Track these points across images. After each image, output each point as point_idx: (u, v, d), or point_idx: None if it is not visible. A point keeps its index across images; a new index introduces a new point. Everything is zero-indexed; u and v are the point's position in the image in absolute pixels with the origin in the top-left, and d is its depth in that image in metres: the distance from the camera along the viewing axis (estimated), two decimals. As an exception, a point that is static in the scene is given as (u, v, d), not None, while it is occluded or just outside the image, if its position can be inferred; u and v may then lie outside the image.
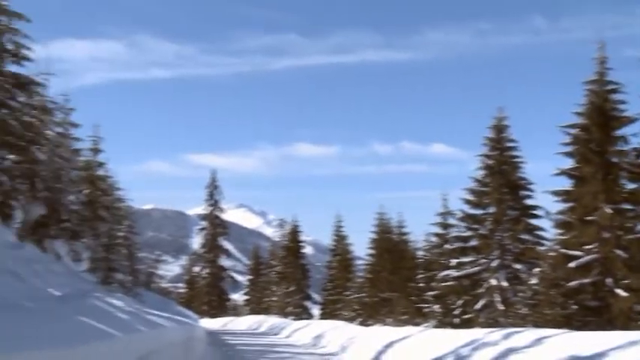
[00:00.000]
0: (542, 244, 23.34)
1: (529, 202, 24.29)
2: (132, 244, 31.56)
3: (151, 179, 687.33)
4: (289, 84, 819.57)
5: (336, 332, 24.12)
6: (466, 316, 24.05)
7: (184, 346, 15.15)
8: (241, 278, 71.71)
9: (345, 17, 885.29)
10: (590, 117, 19.67)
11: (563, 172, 20.31)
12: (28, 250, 14.56)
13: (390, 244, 37.10)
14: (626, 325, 16.55)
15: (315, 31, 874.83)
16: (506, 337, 12.65)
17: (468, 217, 24.81)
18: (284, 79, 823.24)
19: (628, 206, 18.92)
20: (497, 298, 22.60)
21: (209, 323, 41.74)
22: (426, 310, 28.80)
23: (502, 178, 23.94)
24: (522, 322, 19.77)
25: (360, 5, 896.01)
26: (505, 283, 22.68)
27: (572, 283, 18.79)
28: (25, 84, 18.08)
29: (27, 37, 17.48)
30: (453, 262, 25.01)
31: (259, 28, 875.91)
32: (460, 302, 24.71)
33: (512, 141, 24.42)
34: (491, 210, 24.12)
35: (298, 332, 29.08)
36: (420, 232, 40.80)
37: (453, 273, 24.70)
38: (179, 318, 20.69)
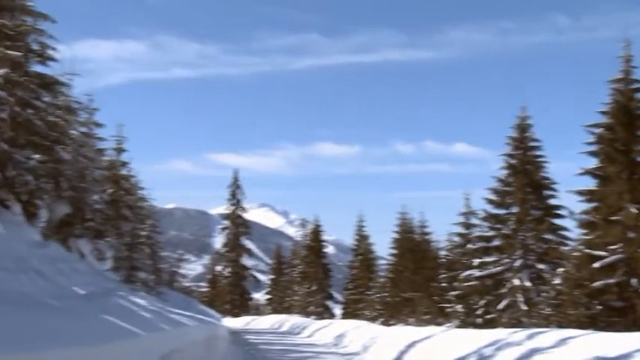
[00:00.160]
0: (566, 244, 23.14)
1: (553, 201, 24.12)
2: (155, 243, 31.77)
3: (174, 178, 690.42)
4: (311, 83, 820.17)
5: (358, 332, 24.11)
6: (489, 316, 23.92)
7: (207, 345, 15.22)
8: (263, 277, 71.92)
9: (367, 16, 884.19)
10: (614, 116, 19.47)
11: (588, 172, 20.13)
12: (53, 248, 14.70)
13: (412, 243, 36.98)
14: (651, 326, 16.36)
15: (337, 30, 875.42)
16: (530, 337, 12.58)
17: (490, 217, 24.67)
18: (306, 79, 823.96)
19: (653, 206, 18.71)
20: (520, 298, 22.45)
21: (231, 322, 41.91)
22: (449, 310, 28.68)
23: (525, 178, 23.77)
24: (546, 322, 19.62)
25: (382, 4, 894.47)
26: (528, 283, 22.52)
27: (597, 284, 18.61)
28: (50, 84, 18.26)
29: (52, 38, 17.65)
30: (476, 261, 24.87)
31: (281, 27, 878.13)
32: (483, 302, 24.57)
33: (535, 140, 24.25)
34: (515, 210, 23.96)
35: (320, 332, 29.11)
36: (442, 231, 40.68)
37: (476, 273, 24.58)
38: (202, 317, 20.80)
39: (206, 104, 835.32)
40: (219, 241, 68.49)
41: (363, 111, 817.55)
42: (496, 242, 24.45)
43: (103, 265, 20.52)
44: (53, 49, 17.87)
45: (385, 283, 38.94)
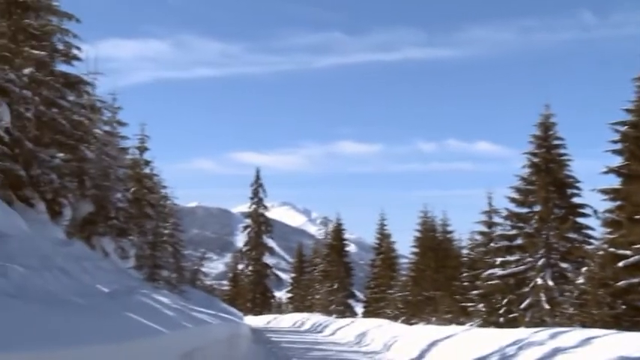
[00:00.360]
0: (590, 243, 22.96)
1: (576, 200, 23.90)
2: (177, 241, 32.00)
3: (196, 177, 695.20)
4: (333, 82, 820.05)
5: (380, 330, 24.08)
6: (511, 316, 23.78)
7: (229, 343, 15.28)
8: (285, 276, 72.01)
9: (389, 15, 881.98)
10: (640, 114, 19.30)
11: (612, 170, 19.96)
12: (77, 247, 14.85)
13: (434, 242, 36.87)
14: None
15: (358, 28, 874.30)
16: (553, 336, 12.49)
17: (513, 216, 24.52)
18: (328, 77, 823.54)
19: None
20: (543, 297, 22.29)
21: (253, 320, 42.03)
22: (471, 309, 28.56)
23: (549, 176, 23.58)
24: (569, 321, 19.49)
25: (404, 2, 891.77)
26: (551, 282, 22.36)
27: (621, 283, 18.46)
28: (74, 83, 18.45)
29: (76, 37, 17.84)
30: (498, 260, 24.74)
31: (303, 26, 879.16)
32: (505, 301, 24.44)
33: (559, 138, 24.05)
34: (538, 208, 23.79)
35: (342, 330, 29.10)
36: (464, 230, 40.48)
37: (498, 272, 24.45)
38: (224, 315, 20.90)
39: (229, 103, 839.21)
40: (241, 240, 68.70)
41: (385, 109, 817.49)
42: (519, 241, 24.30)
43: (126, 263, 20.69)
44: (78, 48, 18.06)
45: (407, 282, 38.87)
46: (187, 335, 10.25)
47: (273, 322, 43.89)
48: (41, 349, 5.09)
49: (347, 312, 48.29)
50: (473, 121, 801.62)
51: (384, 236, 47.63)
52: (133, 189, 23.69)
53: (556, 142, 24.01)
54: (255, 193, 59.06)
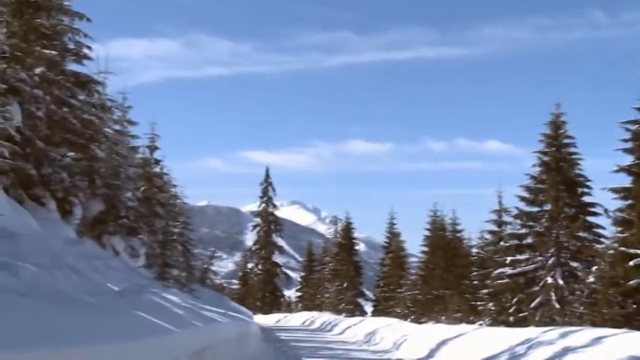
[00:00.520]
0: (600, 242, 22.87)
1: (587, 199, 23.80)
2: (187, 240, 32.04)
3: (206, 176, 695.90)
4: (343, 81, 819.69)
5: (389, 329, 24.08)
6: (521, 315, 23.72)
7: (239, 341, 15.32)
8: (294, 275, 72.09)
9: (400, 13, 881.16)
10: (650, 112, 19.22)
11: (623, 169, 19.88)
12: (87, 245, 14.91)
13: (443, 241, 36.78)
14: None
15: (369, 27, 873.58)
16: (563, 335, 12.46)
17: (523, 215, 24.45)
18: (338, 77, 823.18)
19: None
20: (553, 296, 22.23)
21: (262, 319, 42.11)
22: (480, 308, 28.50)
23: (559, 175, 23.51)
24: (579, 321, 19.42)
25: (415, 1, 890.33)
26: (561, 281, 22.29)
27: (632, 282, 18.39)
28: (85, 82, 18.53)
29: (87, 37, 17.90)
30: (508, 259, 24.69)
31: (313, 25, 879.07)
32: (515, 300, 24.38)
33: (570, 137, 23.95)
34: (548, 207, 23.72)
35: (351, 329, 29.13)
36: (474, 229, 40.37)
37: (508, 271, 24.39)
38: (233, 314, 20.95)
39: (238, 102, 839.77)
40: (250, 239, 68.81)
41: (395, 108, 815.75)
42: (529, 240, 24.24)
43: (136, 262, 20.76)
44: (88, 47, 18.13)
45: (416, 281, 38.80)
46: (197, 334, 10.28)
47: (283, 321, 43.96)
48: (52, 347, 5.12)
49: (356, 311, 48.26)
50: (483, 120, 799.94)
51: (393, 235, 47.57)
52: (143, 188, 23.74)
53: (566, 140, 23.92)
54: (265, 192, 59.17)
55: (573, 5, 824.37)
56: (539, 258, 23.53)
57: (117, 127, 21.71)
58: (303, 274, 65.67)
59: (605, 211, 22.22)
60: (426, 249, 38.28)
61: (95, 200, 18.44)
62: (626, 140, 19.88)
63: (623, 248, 19.19)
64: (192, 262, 34.37)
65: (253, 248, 60.12)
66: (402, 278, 43.15)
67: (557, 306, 21.81)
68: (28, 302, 6.70)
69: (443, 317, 31.30)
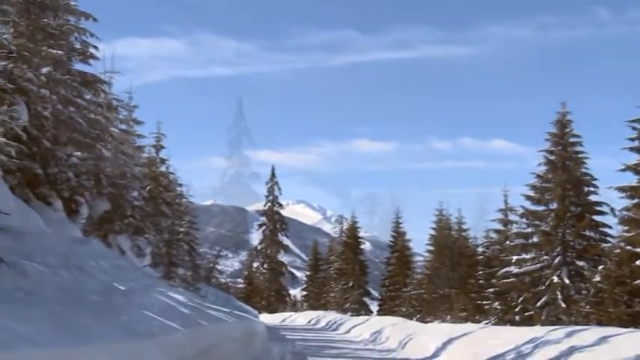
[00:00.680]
0: (607, 241, 22.83)
1: (593, 198, 23.76)
2: (193, 239, 32.08)
3: (212, 175, 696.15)
4: (348, 80, 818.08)
5: (395, 328, 24.06)
6: (527, 314, 23.68)
7: (244, 340, 15.33)
8: (300, 274, 72.09)
9: (404, 12, 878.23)
10: (657, 111, 19.19)
11: (629, 168, 19.85)
12: (93, 245, 14.94)
13: (449, 240, 36.73)
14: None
15: (373, 27, 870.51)
16: (569, 335, 12.44)
17: (529, 214, 24.41)
18: (342, 76, 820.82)
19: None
20: (559, 295, 22.20)
21: (268, 318, 42.11)
22: (486, 307, 28.48)
23: (565, 174, 23.46)
24: (585, 320, 19.39)
25: (419, 0, 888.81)
26: (567, 281, 22.26)
27: (638, 281, 18.36)
28: (91, 82, 18.59)
29: (93, 37, 17.96)
30: (514, 258, 24.66)
31: (318, 24, 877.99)
32: (521, 299, 24.34)
33: (575, 136, 23.91)
34: (554, 206, 23.68)
35: (357, 328, 29.10)
36: (479, 228, 40.28)
37: (514, 270, 24.35)
38: (239, 313, 20.95)
39: (243, 102, 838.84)
40: (256, 238, 68.90)
41: (400, 108, 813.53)
42: (535, 239, 24.21)
43: (142, 261, 20.79)
44: (94, 47, 18.19)
45: (422, 280, 38.78)
46: (203, 333, 10.30)
47: (288, 320, 43.97)
48: (59, 346, 5.14)
49: (362, 310, 48.25)
50: (488, 119, 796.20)
51: (399, 234, 47.55)
52: (149, 187, 23.79)
53: (572, 139, 23.88)
54: (271, 191, 59.17)
55: (577, 3, 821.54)
56: (545, 257, 23.50)
57: (123, 126, 21.77)
58: (308, 273, 65.63)
59: (612, 210, 22.22)
60: (431, 248, 38.25)
61: (101, 199, 18.48)
62: (632, 139, 19.86)
63: (629, 247, 19.16)
64: (197, 261, 34.40)
65: (259, 247, 60.12)
66: (407, 277, 43.13)
67: (563, 305, 21.78)
68: (35, 301, 6.72)
69: (448, 316, 31.27)
